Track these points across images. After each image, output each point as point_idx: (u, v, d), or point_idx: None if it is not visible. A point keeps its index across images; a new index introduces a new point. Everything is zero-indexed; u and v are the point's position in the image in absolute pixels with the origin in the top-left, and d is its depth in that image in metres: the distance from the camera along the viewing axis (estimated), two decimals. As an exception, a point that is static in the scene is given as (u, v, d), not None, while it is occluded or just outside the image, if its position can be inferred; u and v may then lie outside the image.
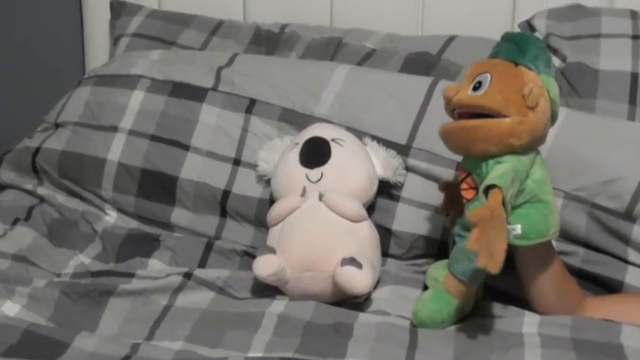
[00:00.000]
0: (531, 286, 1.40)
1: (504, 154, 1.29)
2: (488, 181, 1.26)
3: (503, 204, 1.24)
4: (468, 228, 1.30)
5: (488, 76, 1.31)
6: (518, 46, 1.34)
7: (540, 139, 1.34)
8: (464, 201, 1.35)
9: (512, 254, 1.36)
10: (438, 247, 1.57)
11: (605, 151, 1.53)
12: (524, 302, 1.43)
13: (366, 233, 1.50)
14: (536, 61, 1.32)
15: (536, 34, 1.77)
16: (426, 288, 1.46)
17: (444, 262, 1.43)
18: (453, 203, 1.45)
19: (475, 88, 1.32)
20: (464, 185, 1.35)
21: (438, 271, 1.43)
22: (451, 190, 1.45)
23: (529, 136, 1.29)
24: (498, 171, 1.27)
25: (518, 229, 1.29)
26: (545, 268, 1.38)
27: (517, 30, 1.83)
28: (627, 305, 1.40)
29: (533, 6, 1.84)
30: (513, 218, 1.30)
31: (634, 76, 1.68)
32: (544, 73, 1.33)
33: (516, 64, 1.33)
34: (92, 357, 1.26)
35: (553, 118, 1.35)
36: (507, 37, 1.37)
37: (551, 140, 1.50)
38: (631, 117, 1.67)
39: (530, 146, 1.32)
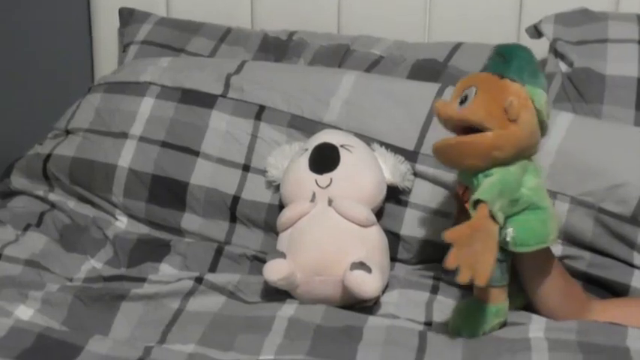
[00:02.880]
0: (534, 292, 1.41)
1: (491, 167, 1.32)
2: (474, 196, 1.29)
3: (493, 217, 1.26)
4: None
5: (474, 89, 1.34)
6: (504, 58, 1.36)
7: (527, 149, 1.35)
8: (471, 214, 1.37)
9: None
10: (445, 252, 1.58)
11: (612, 156, 1.54)
12: (530, 307, 1.44)
13: (375, 238, 1.51)
14: (520, 72, 1.34)
15: (543, 39, 1.79)
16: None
17: None
18: (464, 211, 1.46)
19: (462, 102, 1.34)
20: (466, 197, 1.37)
21: None
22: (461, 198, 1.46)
23: (512, 148, 1.31)
24: (485, 184, 1.30)
25: (510, 232, 1.31)
26: (546, 273, 1.39)
27: (524, 36, 1.84)
28: (633, 308, 1.41)
29: (539, 11, 1.85)
30: (512, 225, 1.32)
31: (641, 81, 1.70)
32: (529, 83, 1.34)
33: (502, 77, 1.35)
34: (106, 360, 1.28)
35: (542, 128, 1.37)
36: (496, 50, 1.40)
37: (557, 145, 1.52)
38: (637, 122, 1.67)
39: (517, 157, 1.33)
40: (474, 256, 1.24)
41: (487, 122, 1.31)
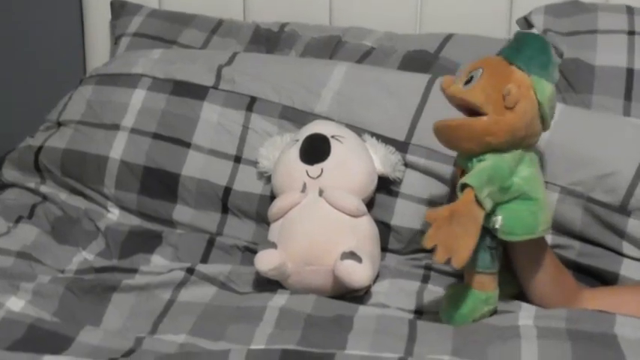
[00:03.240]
0: (526, 280, 1.42)
1: (486, 152, 1.33)
2: (462, 180, 1.29)
3: (478, 202, 1.27)
4: None
5: (481, 71, 1.35)
6: (517, 45, 1.37)
7: (525, 139, 1.35)
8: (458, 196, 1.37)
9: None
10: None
11: (601, 145, 1.54)
12: (520, 295, 1.45)
13: (365, 228, 1.52)
14: (529, 61, 1.34)
15: (534, 30, 1.79)
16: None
17: None
18: None
19: (467, 82, 1.35)
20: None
21: None
22: None
23: (507, 135, 1.32)
24: (476, 170, 1.31)
25: (499, 220, 1.32)
26: (537, 262, 1.40)
27: (515, 27, 1.85)
28: (622, 296, 1.41)
29: (530, 2, 1.85)
30: (502, 214, 1.32)
31: (629, 71, 1.69)
32: (536, 74, 1.34)
33: (511, 63, 1.35)
34: (97, 350, 1.28)
35: (544, 121, 1.37)
36: (515, 35, 1.40)
37: (547, 135, 1.52)
38: (626, 112, 1.68)
39: (513, 145, 1.34)
40: (453, 238, 1.25)
41: (484, 106, 1.32)
